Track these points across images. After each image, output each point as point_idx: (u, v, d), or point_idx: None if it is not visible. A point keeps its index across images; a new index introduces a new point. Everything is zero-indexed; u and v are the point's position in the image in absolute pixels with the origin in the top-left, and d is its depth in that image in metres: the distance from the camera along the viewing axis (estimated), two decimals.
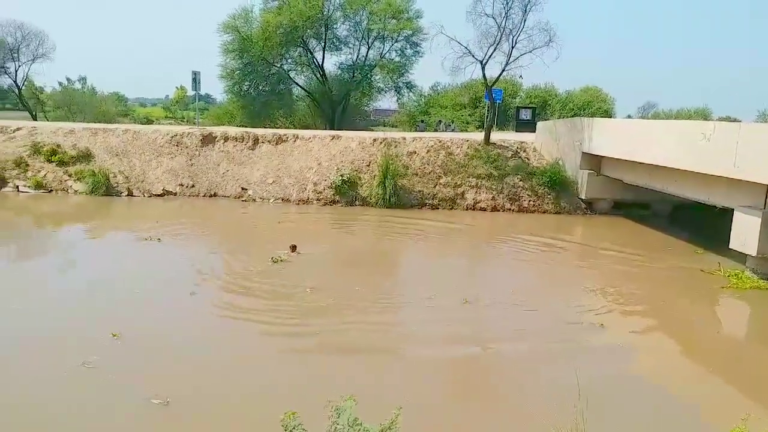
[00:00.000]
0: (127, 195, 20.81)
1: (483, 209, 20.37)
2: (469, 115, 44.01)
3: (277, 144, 23.03)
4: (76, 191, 20.78)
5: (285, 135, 23.63)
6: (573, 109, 43.30)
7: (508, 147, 22.60)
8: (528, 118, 33.78)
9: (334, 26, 37.34)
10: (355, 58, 38.88)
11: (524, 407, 6.81)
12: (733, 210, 12.90)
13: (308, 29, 35.62)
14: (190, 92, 34.88)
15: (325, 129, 32.87)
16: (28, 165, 21.52)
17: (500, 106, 37.43)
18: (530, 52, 21.57)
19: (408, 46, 37.76)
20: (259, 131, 24.63)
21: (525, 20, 21.20)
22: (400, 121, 48.53)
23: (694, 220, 18.15)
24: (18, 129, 23.65)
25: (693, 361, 8.80)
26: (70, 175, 21.28)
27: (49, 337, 8.31)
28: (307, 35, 36.41)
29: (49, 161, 21.63)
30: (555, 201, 20.47)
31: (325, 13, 35.70)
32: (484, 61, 22.00)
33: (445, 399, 7.11)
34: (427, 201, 20.52)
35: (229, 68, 37.17)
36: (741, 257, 12.94)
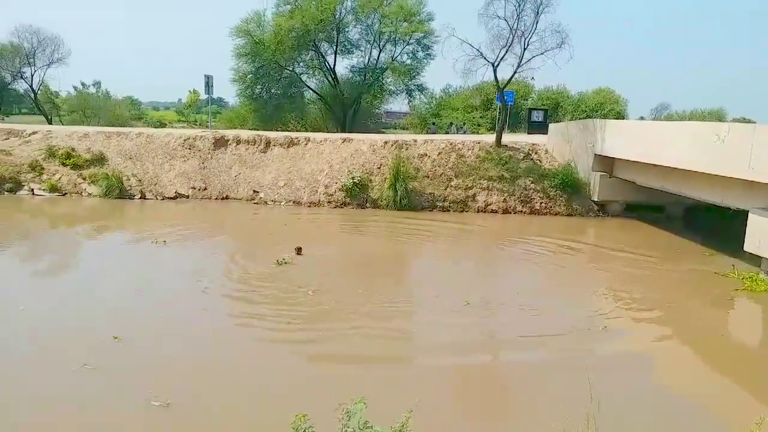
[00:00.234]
0: (140, 198, 20.99)
1: (494, 211, 20.30)
2: (480, 117, 43.95)
3: (288, 147, 23.13)
4: (90, 194, 21.00)
5: (297, 138, 23.72)
6: (585, 111, 43.08)
7: (519, 149, 22.52)
8: (540, 119, 33.67)
9: (346, 29, 37.49)
10: (366, 61, 39.06)
11: (534, 414, 6.74)
12: (747, 212, 12.76)
13: (320, 33, 35.79)
14: (203, 96, 35.02)
15: (337, 132, 32.95)
16: (43, 168, 21.78)
17: (512, 108, 37.32)
18: (542, 54, 21.46)
19: (419, 48, 37.84)
20: (271, 134, 24.74)
21: (537, 22, 21.10)
22: (412, 123, 48.61)
23: (708, 223, 17.96)
24: (33, 133, 23.97)
25: (707, 365, 8.68)
26: (84, 179, 21.51)
27: (51, 338, 8.38)
28: (319, 39, 36.58)
29: (64, 165, 21.88)
30: (567, 203, 20.36)
31: (337, 16, 35.86)
32: (495, 64, 21.94)
33: (452, 404, 7.03)
34: (438, 203, 20.49)
35: (241, 72, 37.48)
36: (756, 260, 12.79)
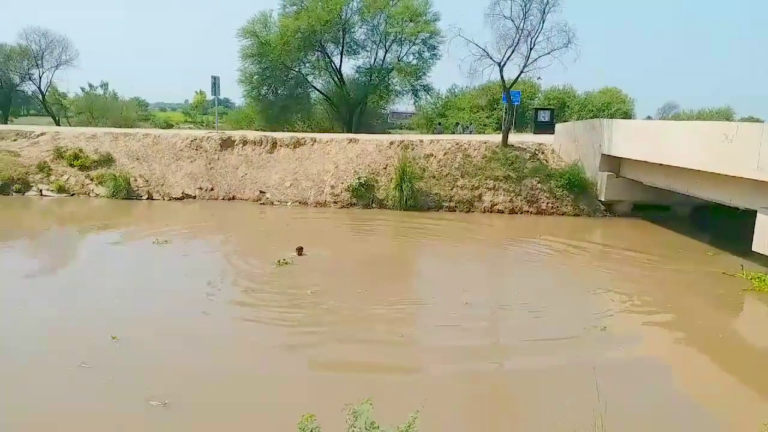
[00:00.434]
0: (147, 198, 21.09)
1: (501, 211, 20.27)
2: (486, 117, 43.82)
3: (294, 147, 23.18)
4: (97, 195, 21.12)
5: (303, 138, 23.77)
6: (592, 111, 42.90)
7: (526, 149, 22.47)
8: (546, 119, 33.58)
9: (352, 30, 37.49)
10: (372, 61, 39.04)
11: (541, 420, 6.69)
12: (756, 212, 12.68)
13: (326, 33, 35.83)
14: (210, 97, 35.12)
15: (343, 132, 32.99)
16: (51, 169, 21.92)
17: (518, 108, 37.21)
18: (549, 53, 21.45)
19: (425, 49, 37.77)
20: (278, 135, 24.80)
21: (543, 22, 21.09)
22: (418, 123, 48.57)
23: (716, 222, 17.87)
24: (42, 134, 24.13)
25: (714, 365, 8.62)
26: (91, 179, 21.63)
27: (48, 337, 8.44)
28: (325, 39, 36.62)
29: (72, 165, 22.01)
30: (574, 203, 20.30)
31: (342, 17, 35.88)
32: (502, 63, 21.91)
33: (453, 408, 6.92)
34: (444, 203, 20.48)
35: (247, 73, 37.57)
36: (764, 260, 12.71)
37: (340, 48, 37.84)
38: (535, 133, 32.18)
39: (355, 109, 39.04)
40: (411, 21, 35.94)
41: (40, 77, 45.33)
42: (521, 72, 22.56)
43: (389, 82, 39.99)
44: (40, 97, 46.39)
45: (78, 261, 13.68)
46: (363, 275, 12.67)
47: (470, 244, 16.56)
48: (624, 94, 46.57)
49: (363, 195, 20.72)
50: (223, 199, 21.36)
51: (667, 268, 13.57)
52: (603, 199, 20.00)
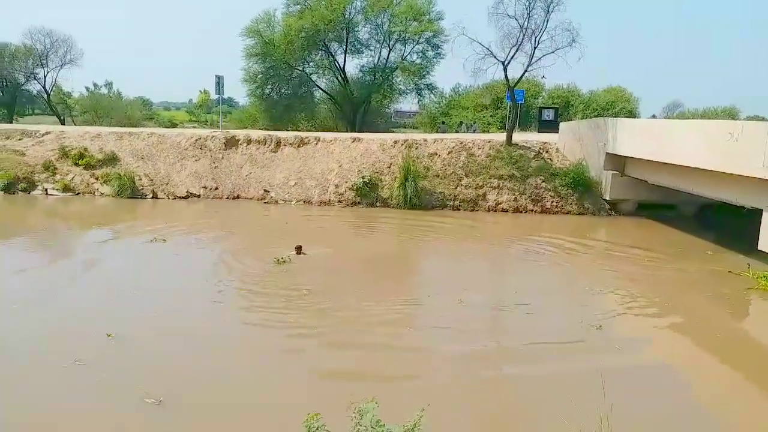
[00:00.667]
0: (152, 197, 21.15)
1: (505, 210, 20.25)
2: (490, 116, 43.80)
3: (299, 147, 23.21)
4: (102, 194, 21.19)
5: (307, 138, 23.80)
6: (596, 110, 42.82)
7: (530, 148, 22.44)
8: (550, 118, 33.53)
9: (356, 29, 37.54)
10: (376, 60, 39.11)
11: (544, 421, 6.67)
12: (762, 210, 12.63)
13: (330, 32, 35.87)
14: (214, 96, 35.24)
15: (347, 131, 33.00)
16: (56, 168, 22.00)
17: (522, 107, 37.21)
18: (553, 52, 21.40)
19: (429, 47, 37.82)
20: (282, 134, 24.84)
21: (547, 20, 21.04)
22: (422, 122, 48.56)
23: (721, 221, 17.81)
24: (47, 133, 24.23)
25: (721, 364, 8.58)
26: (96, 178, 21.70)
27: (44, 336, 8.44)
28: (329, 38, 36.66)
29: (77, 165, 22.10)
30: (578, 202, 20.26)
31: (346, 16, 35.92)
32: (506, 62, 21.89)
33: (456, 412, 6.89)
34: (448, 202, 20.47)
35: (251, 72, 37.68)
36: None
37: (344, 47, 37.89)
38: (539, 131, 32.14)
39: (359, 108, 39.07)
40: (415, 20, 35.96)
41: (45, 76, 45.67)
42: (525, 71, 22.57)
43: (393, 81, 40.03)
44: (45, 96, 46.63)
45: (76, 259, 13.57)
46: (361, 274, 12.62)
47: (474, 242, 16.53)
48: (628, 93, 46.49)
49: (367, 194, 20.73)
50: (227, 198, 21.40)
51: (672, 266, 13.53)
52: (608, 198, 19.95)
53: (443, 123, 41.37)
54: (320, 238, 15.36)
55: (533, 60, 21.70)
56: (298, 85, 39.09)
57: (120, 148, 23.04)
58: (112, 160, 22.46)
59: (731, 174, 13.38)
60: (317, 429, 4.35)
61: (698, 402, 7.26)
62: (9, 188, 20.99)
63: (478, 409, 6.83)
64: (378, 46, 38.49)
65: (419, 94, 40.87)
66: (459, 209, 20.25)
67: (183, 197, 21.28)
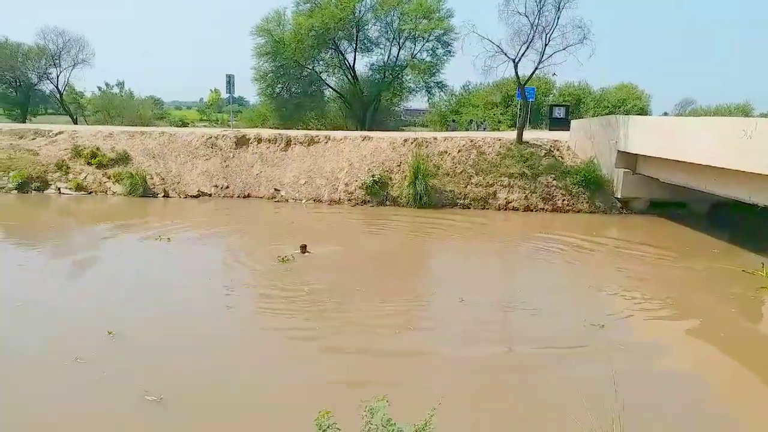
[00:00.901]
0: (164, 196, 21.28)
1: (515, 209, 20.18)
2: (501, 113, 43.63)
3: (309, 145, 23.25)
4: (114, 193, 21.34)
5: (317, 136, 23.84)
6: (607, 107, 42.53)
7: (541, 146, 22.34)
8: (561, 116, 33.39)
9: (366, 27, 37.48)
10: (386, 58, 39.03)
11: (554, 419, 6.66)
12: None
13: (340, 31, 35.84)
14: (225, 95, 35.46)
15: (357, 130, 33.00)
16: (69, 168, 22.19)
17: (533, 105, 36.99)
18: (564, 49, 21.28)
19: (439, 45, 37.67)
20: (292, 133, 24.90)
21: (558, 17, 20.94)
22: (431, 120, 48.49)
23: (735, 219, 17.64)
24: (59, 133, 24.43)
25: (735, 365, 8.51)
26: (108, 177, 21.87)
27: (45, 334, 8.50)
28: (339, 37, 36.64)
29: (89, 164, 22.27)
30: (590, 200, 20.16)
31: (356, 14, 35.88)
32: (516, 60, 21.81)
33: (460, 414, 6.89)
34: (458, 201, 20.43)
35: (262, 71, 37.73)
36: None
37: (354, 45, 37.86)
38: (550, 129, 32.00)
39: (369, 107, 39.05)
40: (425, 18, 35.85)
41: (58, 76, 45.93)
42: (536, 68, 22.48)
43: (403, 79, 39.96)
44: (58, 96, 46.92)
45: (81, 257, 13.55)
46: (366, 272, 12.59)
47: (483, 241, 16.48)
48: (640, 90, 46.08)
49: (377, 192, 20.73)
50: (238, 196, 21.49)
51: (683, 265, 13.45)
52: (619, 196, 19.84)
53: (453, 121, 41.31)
54: (328, 237, 15.38)
55: (544, 57, 21.63)
56: (308, 84, 39.12)
57: (132, 148, 23.19)
58: (123, 159, 22.62)
59: (744, 172, 13.25)
60: (329, 427, 4.36)
61: (718, 410, 7.21)
62: (23, 187, 21.20)
63: (483, 411, 6.81)
64: (388, 44, 38.47)
65: (429, 92, 40.77)
66: (469, 208, 20.20)
67: (194, 196, 21.39)
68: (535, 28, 21.05)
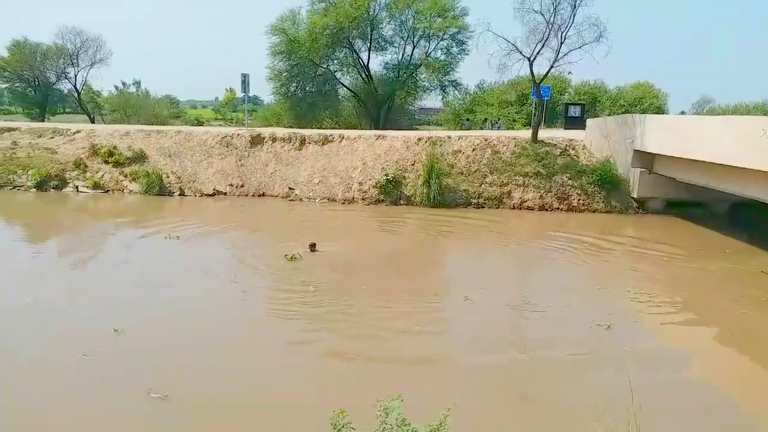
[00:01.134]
0: (179, 195, 21.44)
1: (530, 208, 20.07)
2: (516, 112, 43.40)
3: (323, 144, 23.30)
4: (131, 191, 21.54)
5: (331, 135, 23.88)
6: (624, 106, 42.14)
7: (556, 145, 22.19)
8: (577, 115, 33.09)
9: (380, 26, 37.44)
10: (400, 57, 38.95)
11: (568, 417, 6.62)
12: None
13: (354, 30, 35.83)
14: (239, 94, 35.58)
15: (371, 129, 33.00)
16: (86, 166, 22.45)
17: (548, 103, 36.76)
18: (579, 48, 21.10)
19: (454, 44, 37.50)
20: (306, 132, 24.97)
21: (574, 15, 20.79)
22: (446, 119, 48.33)
23: (754, 219, 17.39)
24: (77, 132, 24.73)
25: (748, 364, 8.43)
26: (125, 176, 22.08)
27: (53, 330, 8.59)
28: (353, 36, 36.64)
29: (106, 162, 22.51)
30: (605, 200, 19.99)
31: (370, 13, 35.84)
32: (531, 58, 21.67)
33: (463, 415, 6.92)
34: (472, 200, 20.36)
35: (276, 70, 37.83)
36: None
37: (368, 44, 37.85)
38: (565, 128, 31.73)
39: (383, 106, 39.03)
40: (439, 16, 35.72)
41: (76, 76, 46.53)
42: (551, 66, 22.32)
43: (417, 78, 39.85)
44: (76, 95, 47.47)
45: (95, 255, 13.67)
46: (373, 272, 12.56)
47: (496, 241, 16.35)
48: (657, 89, 45.61)
49: (390, 191, 20.72)
50: (253, 195, 21.59)
51: (698, 266, 13.30)
52: (635, 196, 19.65)
53: (467, 120, 41.14)
54: (340, 236, 15.39)
55: (559, 56, 21.47)
56: (322, 83, 39.20)
57: (148, 146, 23.40)
58: (140, 157, 22.83)
59: (764, 171, 13.07)
60: (343, 426, 4.36)
61: (736, 400, 7.12)
62: (41, 185, 21.48)
63: (489, 414, 6.78)
64: (402, 42, 38.38)
65: (443, 91, 40.62)
66: (483, 207, 20.12)
67: (210, 195, 21.53)
68: (550, 26, 20.92)
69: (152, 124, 33.08)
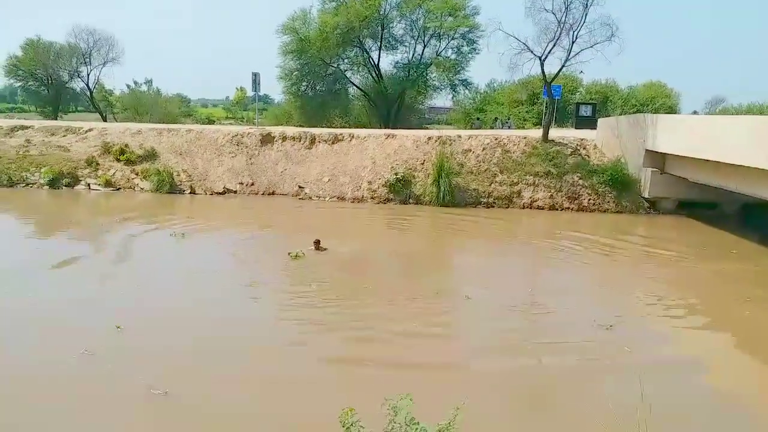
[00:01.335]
0: (190, 193, 21.56)
1: (540, 208, 19.99)
2: (526, 111, 43.25)
3: (333, 143, 23.33)
4: (142, 189, 21.70)
5: (341, 134, 23.91)
6: (635, 105, 41.88)
7: (567, 144, 22.09)
8: (588, 114, 32.90)
9: (391, 25, 37.43)
10: (410, 56, 38.93)
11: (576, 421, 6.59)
12: None
13: (365, 29, 35.84)
14: (250, 93, 35.71)
15: (380, 128, 33.00)
16: (98, 164, 22.63)
17: (559, 103, 36.58)
18: (591, 47, 20.98)
19: (464, 43, 37.42)
20: (316, 131, 25.01)
21: (586, 15, 20.65)
22: (456, 118, 48.26)
23: (766, 220, 17.21)
24: (89, 130, 24.91)
25: (765, 369, 8.35)
26: (137, 174, 22.24)
27: (55, 326, 8.61)
28: (364, 35, 36.64)
29: (118, 160, 22.69)
30: (616, 200, 19.88)
31: (381, 12, 35.83)
32: (543, 57, 21.57)
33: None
34: (482, 199, 20.31)
35: (287, 69, 37.92)
36: None
37: (379, 43, 37.85)
38: (576, 128, 31.57)
39: (393, 105, 39.00)
40: (450, 15, 35.66)
41: (88, 74, 46.85)
42: (563, 66, 22.20)
43: (427, 77, 39.78)
44: (88, 93, 47.82)
45: (96, 251, 13.72)
46: (379, 270, 12.52)
47: (506, 240, 16.32)
48: (669, 88, 45.34)
49: (400, 190, 20.72)
50: (263, 194, 21.66)
51: (710, 266, 13.18)
52: (647, 196, 19.52)
53: (478, 119, 41.04)
54: (348, 234, 15.42)
55: (571, 55, 21.36)
56: (332, 82, 39.27)
57: (159, 144, 23.55)
58: (151, 156, 22.98)
59: None
60: (352, 424, 4.36)
61: (743, 401, 7.07)
62: (54, 183, 21.67)
63: (492, 415, 6.76)
64: (412, 41, 38.35)
65: (453, 90, 40.54)
66: (493, 206, 20.07)
67: (220, 193, 21.63)
68: (562, 25, 20.82)
69: (164, 123, 33.27)
